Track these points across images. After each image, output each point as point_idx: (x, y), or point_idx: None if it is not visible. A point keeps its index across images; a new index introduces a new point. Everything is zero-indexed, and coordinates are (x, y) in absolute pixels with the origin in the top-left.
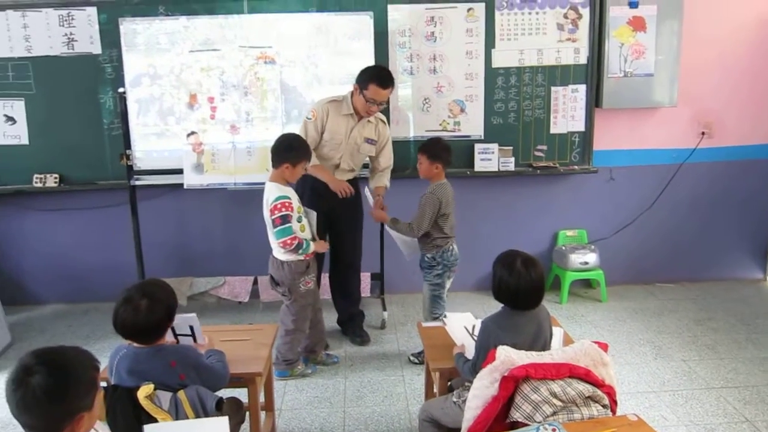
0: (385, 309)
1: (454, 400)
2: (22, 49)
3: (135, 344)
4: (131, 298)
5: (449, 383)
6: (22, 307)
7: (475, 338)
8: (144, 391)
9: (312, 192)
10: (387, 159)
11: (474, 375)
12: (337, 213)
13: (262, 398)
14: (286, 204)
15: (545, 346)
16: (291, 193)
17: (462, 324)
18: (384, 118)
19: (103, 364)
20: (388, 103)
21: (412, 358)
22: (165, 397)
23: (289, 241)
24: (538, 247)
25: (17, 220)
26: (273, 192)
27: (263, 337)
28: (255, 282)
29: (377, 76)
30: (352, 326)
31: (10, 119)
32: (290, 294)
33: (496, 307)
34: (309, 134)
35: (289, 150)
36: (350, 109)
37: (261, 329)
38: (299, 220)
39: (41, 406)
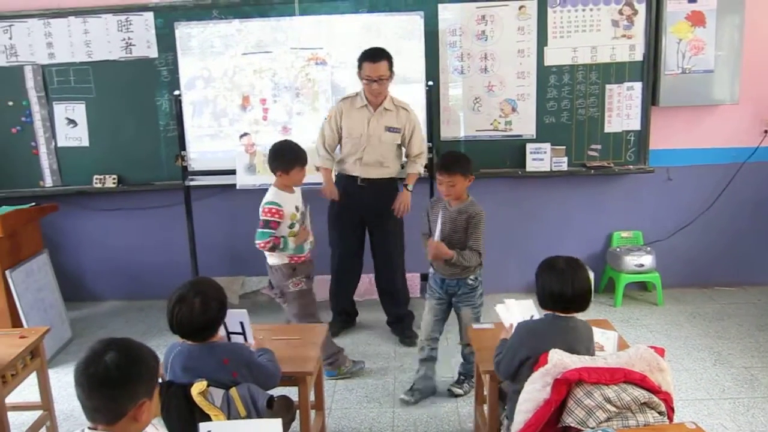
0: None
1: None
2: (83, 54)
3: (188, 342)
4: (185, 297)
5: (500, 386)
6: (83, 304)
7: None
8: (197, 388)
9: (344, 192)
10: (417, 146)
11: (497, 371)
12: (373, 213)
13: (312, 397)
14: (273, 210)
15: None
16: (286, 199)
17: (520, 311)
18: (406, 105)
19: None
20: (437, 103)
21: (454, 388)
22: (218, 394)
23: (263, 244)
24: (591, 248)
25: (78, 219)
26: (268, 196)
27: (313, 336)
28: None
29: (366, 53)
30: (401, 327)
31: (72, 122)
32: (282, 296)
33: None
34: (326, 134)
35: (275, 158)
36: (364, 101)
37: (311, 329)
38: (291, 227)
39: (112, 382)
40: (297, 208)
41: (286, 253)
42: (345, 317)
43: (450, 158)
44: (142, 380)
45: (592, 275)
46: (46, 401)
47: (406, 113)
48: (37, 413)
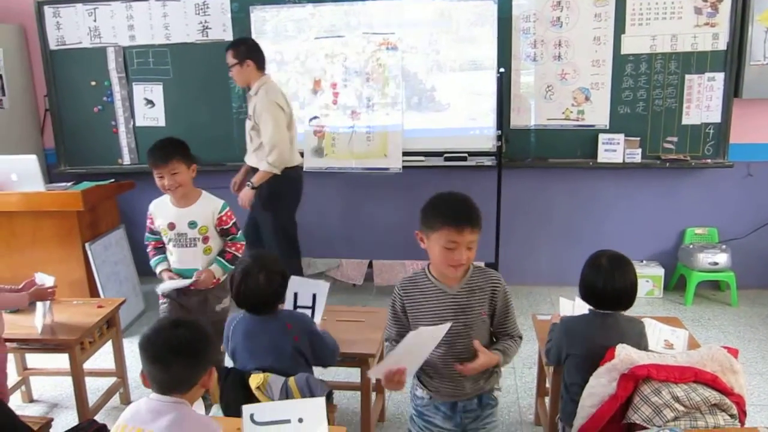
0: None
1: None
2: (161, 36)
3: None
4: (249, 271)
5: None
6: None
7: None
8: (255, 381)
9: None
10: (263, 133)
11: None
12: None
13: (373, 380)
14: (148, 214)
15: None
16: (163, 209)
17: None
18: (260, 93)
19: None
20: (508, 90)
21: None
22: (276, 385)
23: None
24: (662, 244)
25: (154, 197)
26: None
27: (377, 319)
28: (369, 266)
29: None
30: None
31: (150, 102)
32: None
33: None
34: None
35: None
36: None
37: (375, 312)
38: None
39: (192, 352)
40: (171, 226)
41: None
42: None
43: (465, 204)
44: (210, 349)
45: (661, 272)
46: (120, 369)
47: (257, 97)
48: (111, 380)
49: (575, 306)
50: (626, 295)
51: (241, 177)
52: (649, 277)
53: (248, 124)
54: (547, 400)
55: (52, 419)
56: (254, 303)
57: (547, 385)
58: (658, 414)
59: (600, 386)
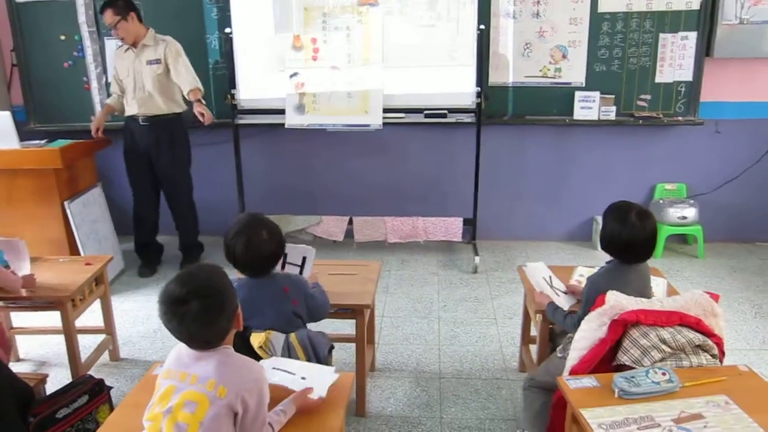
0: (476, 254)
1: (559, 355)
2: None
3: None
4: (249, 230)
5: (551, 327)
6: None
7: (555, 288)
8: (257, 340)
9: (130, 132)
10: (184, 80)
11: (573, 328)
12: (156, 149)
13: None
14: None
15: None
16: None
17: (540, 274)
18: (166, 38)
19: None
20: (487, 48)
21: None
22: (278, 341)
23: None
24: (633, 198)
25: None
26: None
27: (369, 272)
28: (350, 222)
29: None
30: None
31: None
32: None
33: (588, 257)
34: (112, 86)
35: None
36: (126, 45)
37: (367, 265)
38: None
39: (217, 310)
40: None
41: None
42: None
43: None
44: (231, 295)
45: None
46: (109, 326)
47: (166, 44)
48: (100, 337)
49: (538, 269)
50: (653, 247)
51: (102, 120)
52: None
53: (154, 68)
54: (532, 347)
55: (47, 375)
56: (253, 261)
57: (532, 333)
58: (646, 355)
59: (591, 330)
